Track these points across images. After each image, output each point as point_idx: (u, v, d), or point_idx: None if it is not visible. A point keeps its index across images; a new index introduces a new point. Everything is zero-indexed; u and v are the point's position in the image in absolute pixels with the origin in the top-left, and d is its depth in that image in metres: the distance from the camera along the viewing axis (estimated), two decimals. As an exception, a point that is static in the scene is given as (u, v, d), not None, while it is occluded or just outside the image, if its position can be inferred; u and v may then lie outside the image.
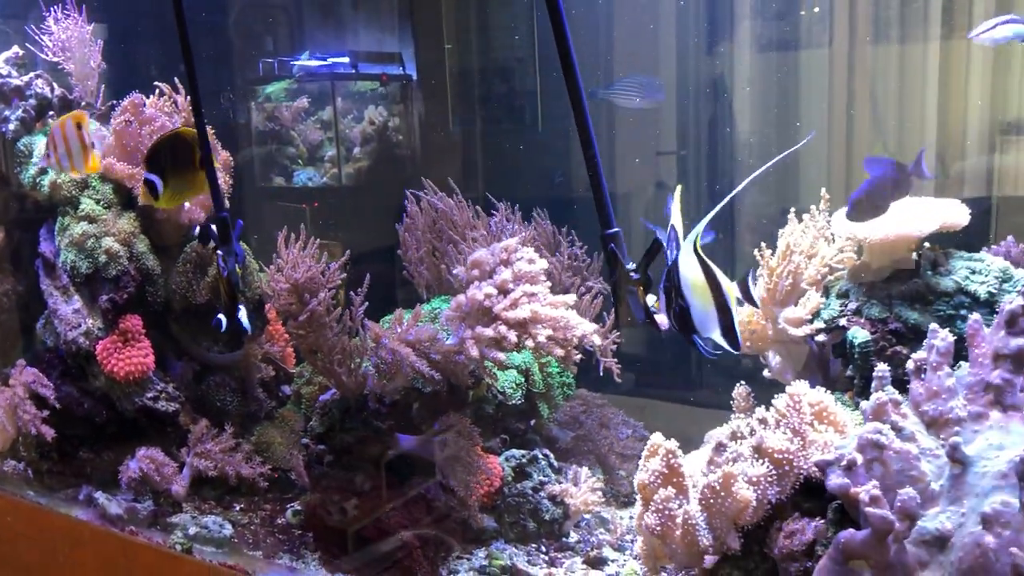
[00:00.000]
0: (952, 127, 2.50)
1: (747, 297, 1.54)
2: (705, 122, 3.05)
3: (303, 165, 3.69)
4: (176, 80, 2.59)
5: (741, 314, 1.92)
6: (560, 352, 1.95)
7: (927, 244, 1.83)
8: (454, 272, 2.10)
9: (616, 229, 1.51)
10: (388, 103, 3.64)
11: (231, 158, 2.59)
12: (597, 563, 2.14)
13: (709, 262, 1.45)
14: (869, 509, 1.39)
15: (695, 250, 1.45)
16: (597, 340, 2.06)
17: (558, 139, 3.31)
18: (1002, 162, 2.40)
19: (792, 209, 1.97)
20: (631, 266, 1.51)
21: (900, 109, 2.62)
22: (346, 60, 3.54)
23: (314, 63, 3.58)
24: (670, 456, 1.68)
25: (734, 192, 1.51)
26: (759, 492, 1.57)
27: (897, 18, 2.58)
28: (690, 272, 1.45)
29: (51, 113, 2.63)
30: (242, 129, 3.67)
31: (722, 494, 1.57)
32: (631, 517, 2.12)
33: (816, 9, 2.70)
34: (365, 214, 3.61)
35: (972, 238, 1.91)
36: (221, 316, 2.13)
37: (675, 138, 3.14)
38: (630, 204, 3.28)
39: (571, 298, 1.97)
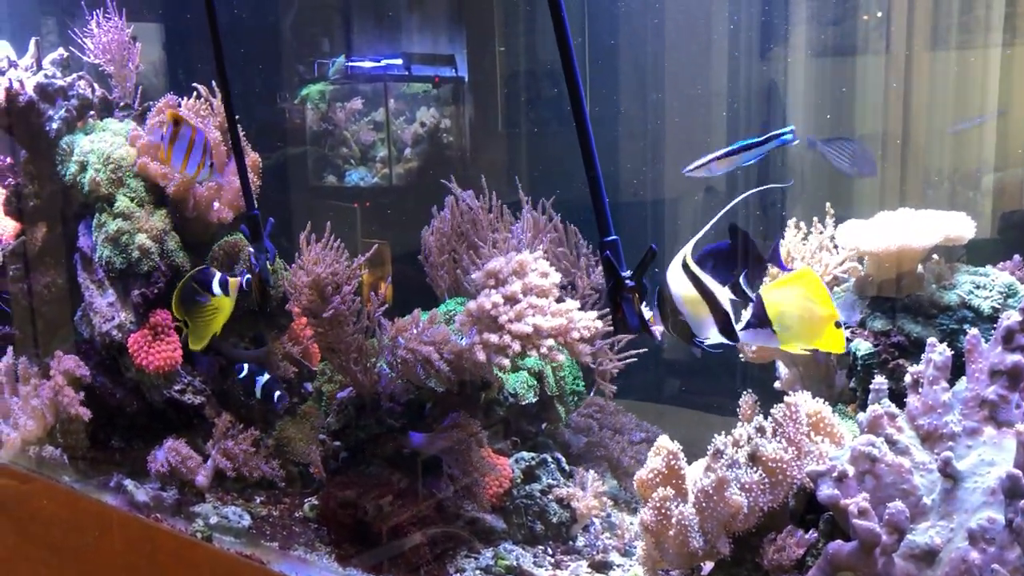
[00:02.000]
0: (1012, 136, 2.45)
1: (741, 295, 1.59)
2: (757, 127, 3.04)
3: (355, 165, 3.74)
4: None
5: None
6: (562, 359, 2.01)
7: (935, 257, 1.82)
8: (472, 276, 2.14)
9: (614, 237, 1.53)
10: (440, 105, 3.67)
11: (259, 160, 2.66)
12: (603, 567, 2.15)
13: (700, 274, 1.49)
14: (857, 521, 1.39)
15: (685, 265, 1.51)
16: (599, 324, 2.08)
17: (606, 143, 3.32)
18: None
19: (792, 219, 1.98)
20: (627, 274, 1.52)
21: (958, 117, 2.58)
22: (399, 62, 3.59)
23: (368, 64, 3.64)
24: (671, 458, 1.69)
25: (720, 214, 1.54)
26: (751, 499, 1.58)
27: (956, 25, 2.54)
28: (680, 288, 1.51)
29: (91, 113, 2.73)
30: (296, 129, 3.74)
31: (714, 498, 1.58)
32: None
33: (879, 14, 2.67)
34: (415, 214, 3.66)
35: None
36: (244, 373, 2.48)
37: (725, 143, 3.12)
38: (678, 209, 3.28)
39: (574, 304, 2.01)
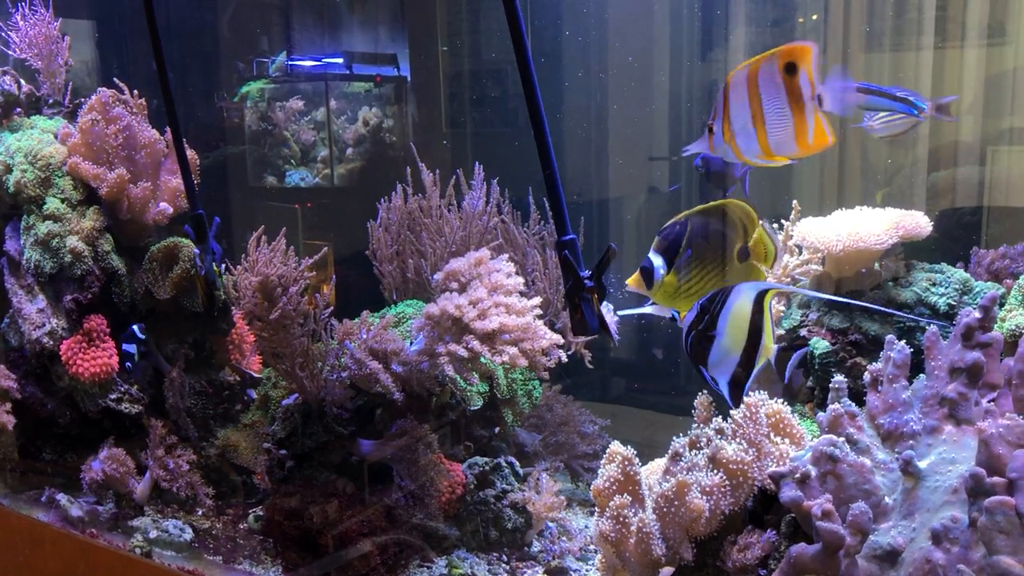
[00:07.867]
0: (944, 136, 2.50)
1: (780, 374, 1.58)
2: (698, 128, 3.04)
3: (296, 165, 3.67)
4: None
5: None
6: (524, 362, 1.95)
7: (901, 254, 1.82)
8: (434, 279, 2.08)
9: (571, 236, 1.50)
10: (383, 104, 3.63)
11: (196, 158, 2.56)
12: (559, 573, 2.12)
13: (769, 317, 1.49)
14: (820, 523, 1.37)
15: (761, 302, 1.54)
16: (563, 356, 2.05)
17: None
18: (993, 172, 2.40)
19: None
20: (586, 274, 1.49)
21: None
22: (340, 60, 3.53)
23: (308, 62, 3.58)
24: (626, 464, 1.66)
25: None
26: (712, 502, 1.55)
27: (891, 28, 2.58)
28: (739, 309, 1.52)
29: (18, 110, 2.60)
30: (235, 128, 3.66)
31: (676, 503, 1.55)
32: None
33: (815, 16, 2.69)
34: (356, 215, 3.60)
35: (964, 247, 1.94)
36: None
37: (667, 143, 3.13)
38: (622, 208, 3.27)
39: (536, 301, 1.96)
